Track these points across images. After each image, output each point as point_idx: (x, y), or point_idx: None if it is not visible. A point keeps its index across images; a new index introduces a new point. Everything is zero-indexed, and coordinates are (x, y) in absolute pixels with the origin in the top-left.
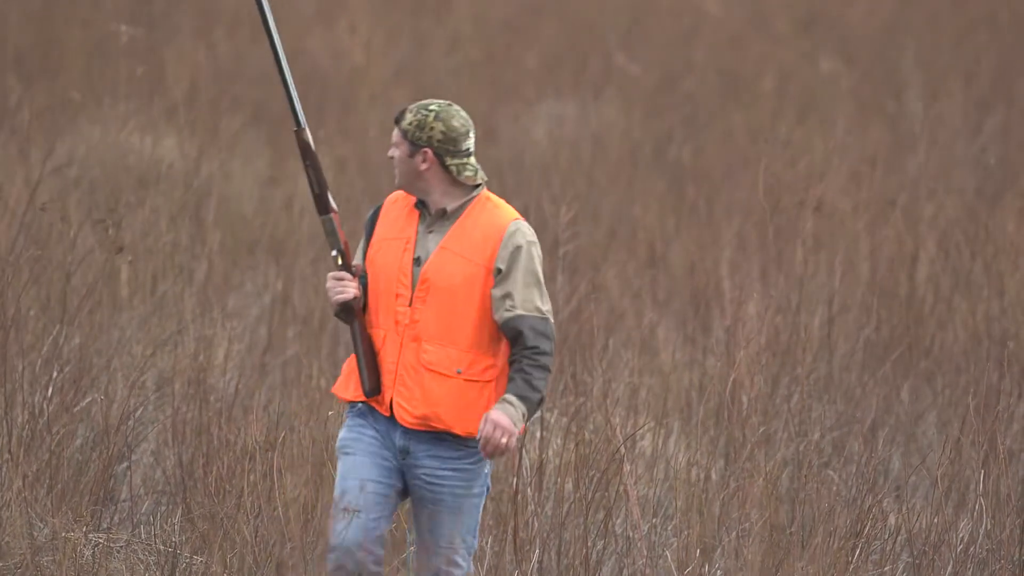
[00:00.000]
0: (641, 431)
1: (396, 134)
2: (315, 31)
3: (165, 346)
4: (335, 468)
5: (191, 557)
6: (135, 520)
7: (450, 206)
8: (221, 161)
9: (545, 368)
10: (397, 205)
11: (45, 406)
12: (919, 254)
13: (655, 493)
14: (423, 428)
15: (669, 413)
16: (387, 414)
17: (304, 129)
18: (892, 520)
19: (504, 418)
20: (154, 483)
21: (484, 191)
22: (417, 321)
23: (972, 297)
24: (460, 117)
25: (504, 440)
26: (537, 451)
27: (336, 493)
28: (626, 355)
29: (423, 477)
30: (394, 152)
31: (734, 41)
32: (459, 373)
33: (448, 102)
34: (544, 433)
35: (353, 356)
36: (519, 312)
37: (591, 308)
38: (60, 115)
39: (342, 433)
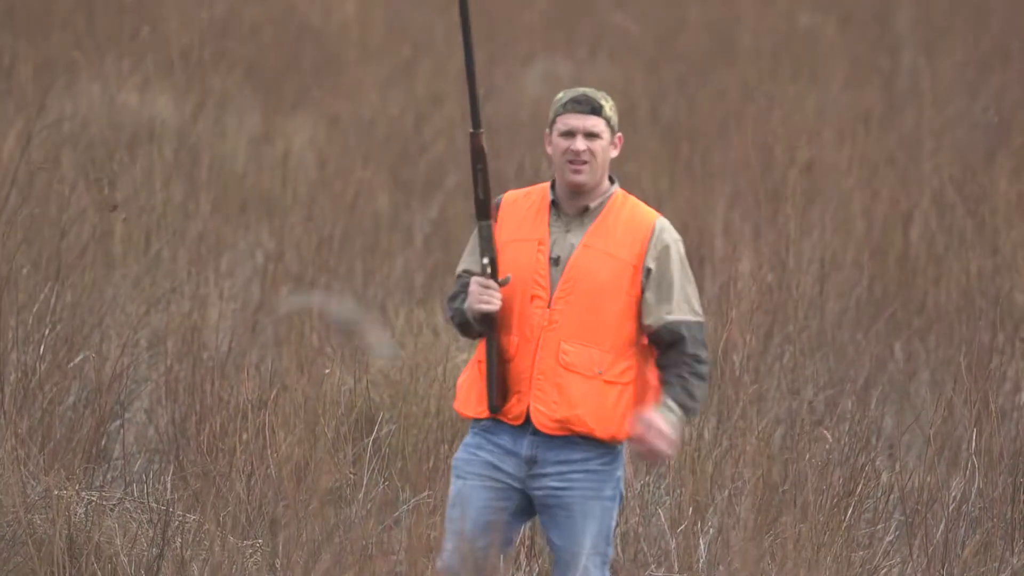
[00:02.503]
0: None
1: (598, 122)
2: None
3: (158, 304)
4: (328, 425)
5: (184, 515)
6: (128, 478)
7: (592, 203)
8: (214, 119)
9: (704, 378)
10: (519, 206)
11: (38, 364)
12: (913, 212)
13: None
14: (562, 432)
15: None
16: (518, 423)
17: (481, 132)
18: (885, 478)
19: (662, 422)
20: (147, 441)
21: (620, 189)
22: (556, 322)
23: (965, 255)
24: None
25: (660, 445)
26: None
27: (447, 512)
28: None
29: (551, 484)
30: (589, 144)
31: None
32: (600, 374)
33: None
34: None
35: (472, 369)
36: (677, 317)
37: None
38: (54, 73)
39: (458, 452)
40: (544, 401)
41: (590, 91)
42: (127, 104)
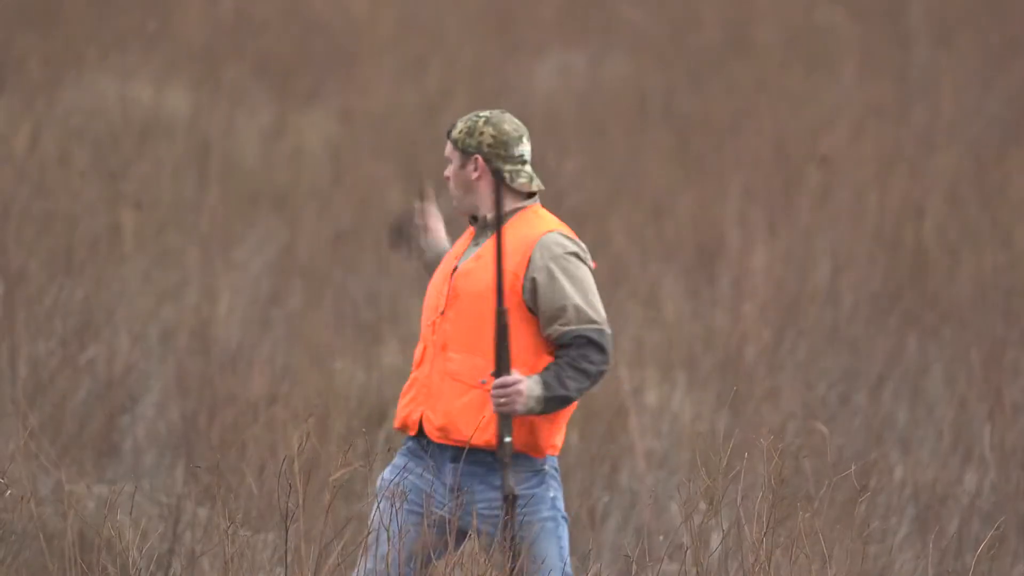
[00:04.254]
0: (647, 384)
1: (448, 147)
2: None
3: (169, 298)
4: (339, 420)
5: (195, 509)
6: (139, 472)
7: (490, 215)
8: (225, 113)
9: (584, 373)
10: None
11: (49, 358)
12: (926, 206)
13: (661, 446)
14: (445, 441)
15: (675, 366)
16: (413, 432)
17: (507, 311)
18: (898, 473)
19: (523, 384)
20: (158, 435)
21: (535, 204)
22: (445, 331)
23: (979, 249)
24: (512, 122)
25: (513, 399)
26: None
27: (370, 536)
28: (632, 308)
29: (483, 512)
30: (448, 168)
31: None
32: (483, 384)
33: (501, 109)
34: None
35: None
36: (573, 327)
37: (596, 261)
38: (65, 67)
39: (386, 473)
40: (433, 409)
41: (461, 120)
42: (138, 98)
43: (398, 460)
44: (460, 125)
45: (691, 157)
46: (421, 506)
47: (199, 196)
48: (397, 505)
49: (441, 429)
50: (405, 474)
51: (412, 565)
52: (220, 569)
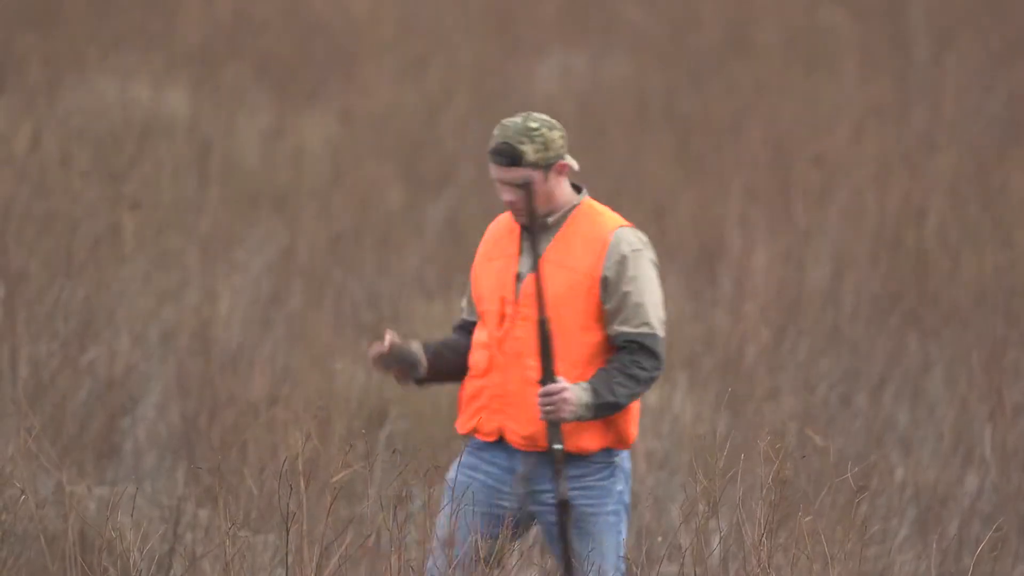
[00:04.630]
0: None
1: (514, 175)
2: None
3: (169, 299)
4: (340, 423)
5: (195, 510)
6: (139, 474)
7: (551, 217)
8: (226, 114)
9: (633, 378)
10: (500, 225)
11: (50, 360)
12: (927, 207)
13: (661, 447)
14: (532, 449)
15: (675, 366)
16: (491, 439)
17: (546, 320)
18: (899, 474)
19: (571, 392)
20: (158, 437)
21: (587, 199)
22: (519, 338)
23: (980, 250)
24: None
25: (559, 406)
26: None
27: (437, 530)
28: None
29: (549, 502)
30: (516, 195)
31: None
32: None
33: (525, 113)
34: None
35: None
36: (631, 329)
37: None
38: (66, 67)
39: (451, 471)
40: (515, 418)
41: (514, 137)
42: (138, 99)
43: (466, 459)
44: (528, 147)
45: (691, 157)
46: (490, 504)
47: (199, 197)
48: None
49: (528, 438)
50: (473, 474)
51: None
52: (221, 570)
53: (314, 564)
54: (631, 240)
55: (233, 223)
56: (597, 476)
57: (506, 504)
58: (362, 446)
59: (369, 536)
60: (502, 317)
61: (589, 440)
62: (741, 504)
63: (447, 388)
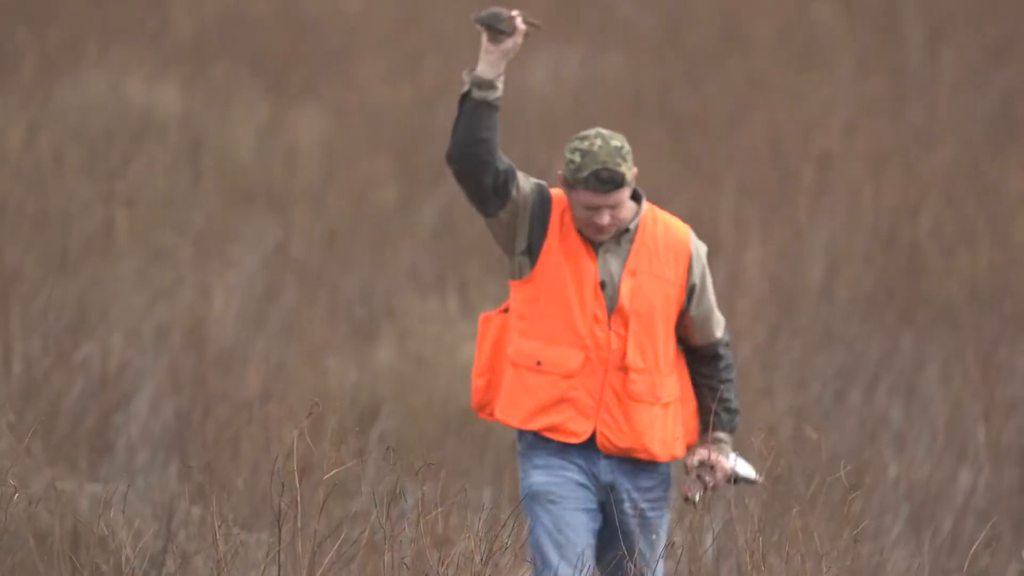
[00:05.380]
0: None
1: (616, 198)
2: None
3: (162, 296)
4: (333, 420)
5: (188, 508)
6: (132, 471)
7: (629, 226)
8: (219, 110)
9: (733, 381)
10: (566, 215)
11: (43, 357)
12: (921, 204)
13: None
14: (623, 456)
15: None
16: (577, 440)
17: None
18: (892, 471)
19: (723, 462)
20: (151, 434)
21: (647, 203)
22: (618, 348)
23: (974, 247)
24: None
25: (720, 483)
26: None
27: (543, 539)
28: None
29: (628, 511)
30: (612, 213)
31: None
32: (659, 399)
33: (592, 133)
34: None
35: (512, 374)
36: (719, 334)
37: None
38: (59, 64)
39: (537, 476)
40: (611, 427)
41: (610, 160)
42: (132, 95)
43: (548, 460)
44: (624, 167)
45: (686, 154)
46: (587, 500)
47: (193, 193)
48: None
49: (627, 450)
50: (565, 473)
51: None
52: (213, 568)
53: (307, 562)
54: (701, 245)
55: (226, 220)
56: (665, 486)
57: (595, 500)
58: (355, 443)
59: (363, 532)
60: (592, 320)
61: (677, 447)
62: (734, 501)
63: (440, 386)
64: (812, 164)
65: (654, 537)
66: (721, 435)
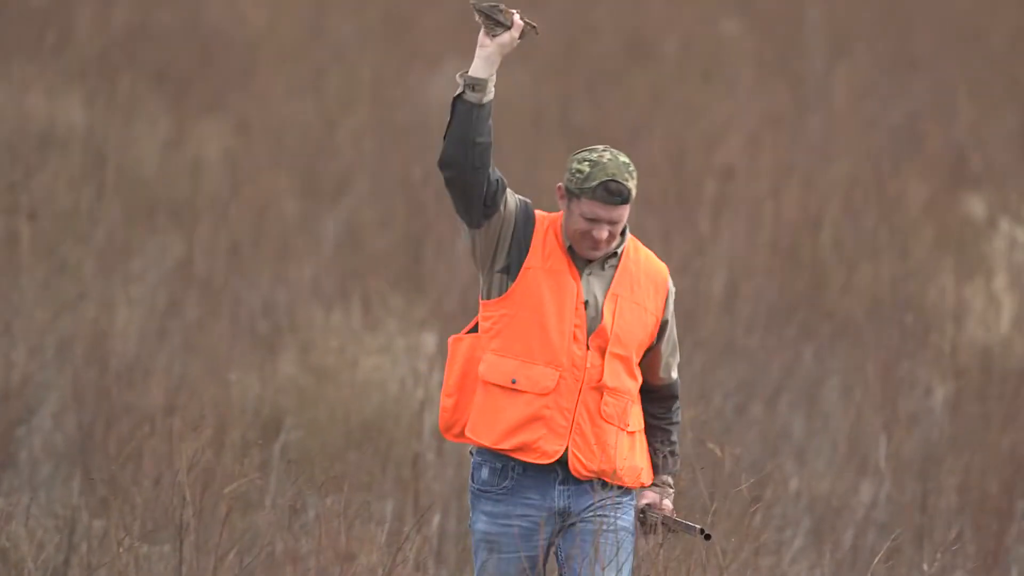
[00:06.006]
0: None
1: (620, 213)
2: None
3: (66, 309)
4: (236, 433)
5: (91, 521)
6: (34, 484)
7: (617, 249)
8: (123, 124)
9: (679, 424)
10: (549, 235)
11: None
12: (823, 217)
13: None
14: (592, 478)
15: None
16: (546, 461)
17: None
18: (793, 484)
19: (669, 505)
20: (54, 447)
21: (629, 234)
22: (596, 369)
23: (875, 261)
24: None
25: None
26: (438, 415)
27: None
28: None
29: (583, 526)
30: (611, 229)
31: (636, 2)
32: (627, 426)
33: (601, 147)
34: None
35: (485, 393)
36: (675, 376)
37: None
38: None
39: (481, 523)
40: (583, 449)
41: (619, 173)
42: (35, 109)
43: (493, 508)
44: (631, 183)
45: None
46: (528, 549)
47: (96, 207)
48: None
49: (597, 472)
50: (508, 522)
51: None
52: None
53: (209, 575)
54: (672, 284)
55: (130, 234)
56: (629, 497)
57: (535, 549)
58: (257, 456)
59: (266, 545)
60: (569, 338)
61: (643, 473)
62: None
63: (343, 399)
64: (714, 178)
65: (618, 540)
66: (666, 478)
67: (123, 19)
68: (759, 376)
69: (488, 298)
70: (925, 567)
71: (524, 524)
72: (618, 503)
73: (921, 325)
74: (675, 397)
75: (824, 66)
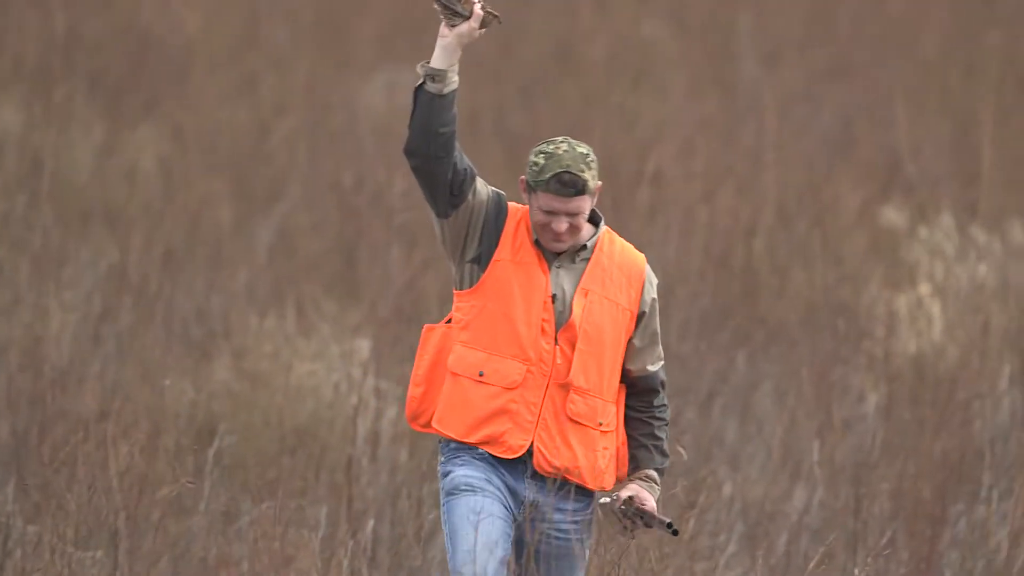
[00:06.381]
0: None
1: (576, 204)
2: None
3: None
4: (170, 438)
5: (24, 527)
6: None
7: (587, 242)
8: (57, 130)
9: (667, 421)
10: (521, 227)
11: None
12: (756, 223)
13: None
14: (556, 476)
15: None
16: (512, 455)
17: None
18: (727, 489)
19: (653, 501)
20: None
21: (605, 226)
22: (563, 365)
23: (808, 267)
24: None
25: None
26: (372, 420)
27: (465, 525)
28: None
29: (549, 532)
30: (571, 221)
31: (568, 8)
32: (599, 425)
33: (560, 139)
34: (379, 403)
35: (452, 384)
36: (657, 366)
37: (426, 279)
38: None
39: (463, 469)
40: (548, 445)
41: (574, 164)
42: None
43: (477, 463)
44: (588, 174)
45: (521, 173)
46: (507, 504)
47: (30, 213)
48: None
49: (560, 469)
50: (492, 477)
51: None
52: None
53: None
54: (654, 276)
55: (64, 240)
56: (587, 511)
57: (512, 512)
58: (192, 462)
59: (200, 550)
60: (538, 330)
61: (607, 478)
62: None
63: (276, 404)
64: (646, 184)
65: (575, 555)
66: (651, 473)
67: (58, 25)
68: (693, 382)
69: (460, 288)
70: (858, 572)
71: (501, 485)
72: (575, 521)
73: (854, 331)
74: (655, 391)
75: (757, 72)
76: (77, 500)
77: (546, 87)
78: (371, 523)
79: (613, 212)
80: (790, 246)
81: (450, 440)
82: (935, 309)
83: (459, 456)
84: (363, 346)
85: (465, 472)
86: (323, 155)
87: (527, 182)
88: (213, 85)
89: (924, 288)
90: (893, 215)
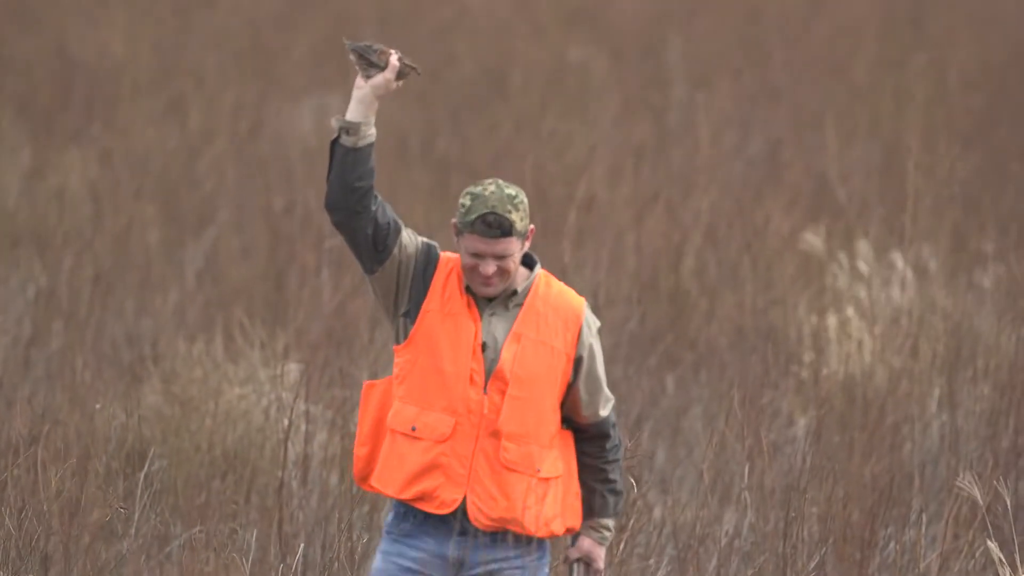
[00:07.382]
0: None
1: (503, 246)
2: (76, 24)
3: None
4: (99, 460)
5: None
6: None
7: (518, 287)
8: None
9: (619, 463)
10: (451, 277)
11: None
12: (685, 247)
13: None
14: (497, 529)
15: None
16: (445, 510)
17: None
18: (657, 513)
19: (601, 555)
20: None
21: (542, 269)
22: (493, 414)
23: (738, 290)
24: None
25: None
26: (303, 444)
27: None
28: (391, 349)
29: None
30: (499, 264)
31: (498, 33)
32: (538, 471)
33: (489, 180)
34: (309, 426)
35: (393, 442)
36: (605, 411)
37: (356, 303)
38: None
39: (376, 562)
40: (483, 497)
41: (500, 205)
42: None
43: (390, 546)
44: (515, 215)
45: (451, 197)
46: None
47: None
48: None
49: (499, 520)
50: (400, 560)
51: None
52: None
53: None
54: (593, 320)
55: None
56: (532, 556)
57: None
58: (122, 486)
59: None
60: (466, 382)
61: (555, 524)
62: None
63: (206, 429)
64: (576, 208)
65: None
66: (605, 521)
67: None
68: (622, 405)
69: (396, 343)
70: None
71: (412, 567)
72: (521, 568)
73: (783, 355)
74: (606, 436)
75: (687, 96)
76: (8, 524)
77: (476, 111)
78: (301, 546)
79: (543, 237)
80: (719, 270)
81: (393, 501)
82: (864, 333)
83: (387, 534)
84: (292, 370)
85: (378, 564)
86: (252, 179)
87: (456, 224)
88: (141, 109)
89: (850, 312)
90: (812, 240)
